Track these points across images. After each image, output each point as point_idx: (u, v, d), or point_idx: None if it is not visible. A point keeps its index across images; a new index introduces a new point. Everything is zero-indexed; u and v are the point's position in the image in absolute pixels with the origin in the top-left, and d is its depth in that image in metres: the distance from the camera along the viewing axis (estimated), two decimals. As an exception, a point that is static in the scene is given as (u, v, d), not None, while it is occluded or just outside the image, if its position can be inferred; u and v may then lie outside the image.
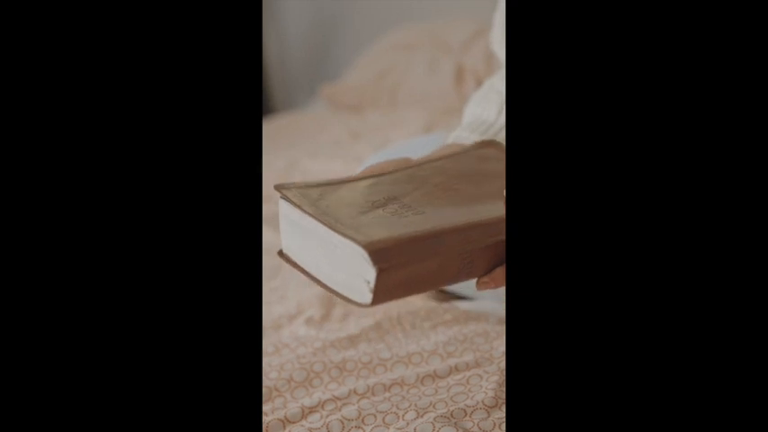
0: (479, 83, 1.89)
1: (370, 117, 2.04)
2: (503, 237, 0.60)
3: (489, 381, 0.79)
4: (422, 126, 1.84)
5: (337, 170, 1.63)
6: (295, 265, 0.64)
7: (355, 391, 0.80)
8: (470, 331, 0.88)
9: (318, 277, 0.61)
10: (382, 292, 0.56)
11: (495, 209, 0.62)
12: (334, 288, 0.60)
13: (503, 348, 0.84)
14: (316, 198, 0.62)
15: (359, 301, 0.57)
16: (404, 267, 0.56)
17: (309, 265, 0.62)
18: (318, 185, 0.65)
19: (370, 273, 0.55)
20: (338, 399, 0.80)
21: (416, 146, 1.16)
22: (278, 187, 0.63)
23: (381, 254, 0.55)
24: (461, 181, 0.67)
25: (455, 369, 0.82)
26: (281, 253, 0.65)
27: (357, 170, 1.19)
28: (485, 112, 0.88)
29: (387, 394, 0.80)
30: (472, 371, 0.81)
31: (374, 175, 0.67)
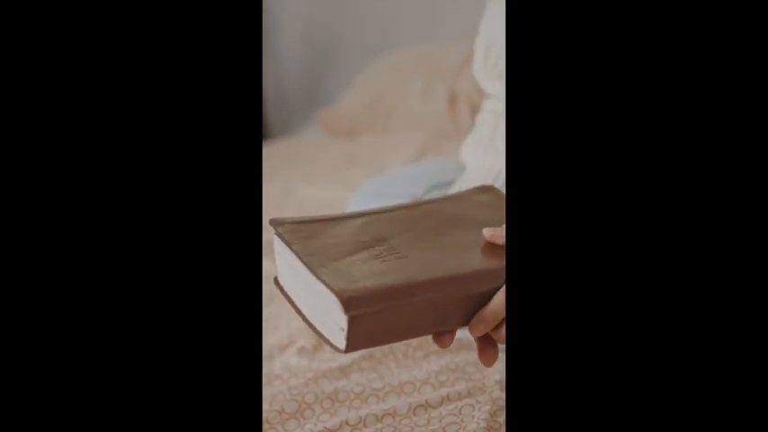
0: (473, 107, 1.90)
1: (365, 142, 2.05)
2: (481, 289, 0.60)
3: (481, 411, 0.78)
4: (416, 150, 1.85)
5: (333, 195, 1.63)
6: (287, 296, 0.65)
7: (347, 423, 0.80)
8: (462, 360, 0.88)
9: (305, 313, 0.62)
10: (356, 339, 0.57)
11: (477, 261, 0.62)
12: (317, 327, 0.60)
13: (495, 377, 0.84)
14: (306, 236, 0.63)
15: (336, 344, 0.58)
16: (376, 316, 0.57)
17: (298, 300, 0.63)
18: (313, 221, 0.66)
19: (343, 320, 0.56)
20: (330, 431, 0.79)
21: (407, 174, 1.16)
22: (272, 222, 0.64)
23: (352, 302, 0.56)
24: (453, 226, 0.67)
25: (447, 399, 0.82)
26: (276, 281, 0.65)
27: (352, 195, 1.20)
28: (496, 160, 0.89)
29: (379, 425, 0.79)
30: (464, 400, 0.81)
31: (371, 212, 0.68)
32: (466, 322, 0.61)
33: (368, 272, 0.59)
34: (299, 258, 0.60)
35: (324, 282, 0.57)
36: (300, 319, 1.03)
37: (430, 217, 0.68)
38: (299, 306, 0.63)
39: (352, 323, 0.56)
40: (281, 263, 0.65)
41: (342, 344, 0.57)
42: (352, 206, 1.13)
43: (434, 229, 0.66)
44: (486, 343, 0.61)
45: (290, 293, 0.64)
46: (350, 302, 0.56)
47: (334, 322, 0.57)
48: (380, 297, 0.57)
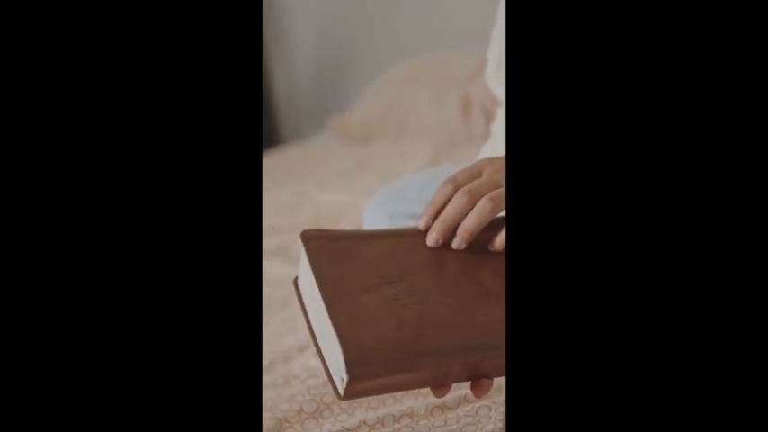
0: (487, 114, 1.91)
1: (377, 149, 2.06)
2: (486, 359, 0.60)
3: (498, 411, 0.79)
4: (429, 158, 1.86)
5: (345, 201, 1.65)
6: (302, 303, 0.65)
7: (365, 422, 0.81)
8: (479, 362, 0.89)
9: (314, 331, 0.62)
10: (353, 393, 0.58)
11: (488, 328, 0.60)
12: (322, 352, 0.61)
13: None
14: (332, 259, 0.63)
15: (335, 384, 0.59)
16: (377, 376, 0.57)
17: (311, 313, 0.63)
18: (344, 239, 0.65)
19: (345, 375, 0.56)
20: (348, 430, 0.80)
21: (424, 180, 1.17)
22: (303, 237, 0.64)
23: (356, 365, 0.56)
24: (476, 266, 0.64)
25: (464, 400, 0.83)
26: (295, 283, 0.66)
27: (365, 203, 1.21)
28: None
29: (396, 425, 0.80)
30: (481, 402, 0.82)
31: (401, 233, 0.67)
32: (465, 380, 0.62)
33: (381, 318, 0.59)
34: (318, 287, 0.60)
35: (335, 326, 0.58)
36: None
37: (456, 256, 0.65)
38: (311, 322, 0.63)
39: (352, 381, 0.56)
40: (303, 272, 0.65)
41: (340, 391, 0.58)
42: (369, 211, 1.14)
43: (455, 274, 0.64)
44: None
45: (305, 303, 0.64)
46: (354, 365, 0.56)
47: (337, 367, 0.58)
48: (384, 363, 0.57)
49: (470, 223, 0.63)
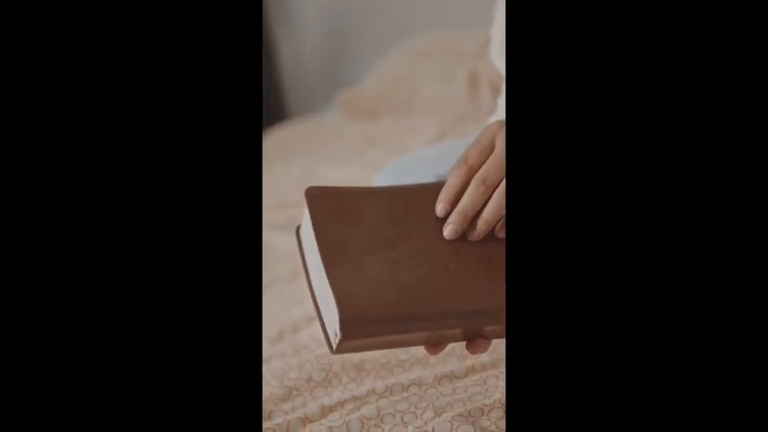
0: (494, 89, 1.91)
1: (385, 123, 2.06)
2: (481, 325, 0.61)
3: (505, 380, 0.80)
4: (436, 132, 1.86)
5: (354, 176, 1.65)
6: (302, 253, 0.65)
7: (374, 391, 0.82)
8: (487, 333, 0.90)
9: (312, 284, 0.63)
10: (345, 349, 0.59)
11: (485, 295, 0.61)
12: (318, 305, 0.62)
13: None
14: (334, 218, 0.63)
15: (329, 337, 0.59)
16: (371, 337, 0.58)
17: (310, 267, 0.64)
18: (349, 195, 0.65)
19: (338, 332, 0.57)
20: (357, 398, 0.81)
21: (432, 154, 1.18)
22: (307, 194, 0.64)
23: (350, 325, 0.57)
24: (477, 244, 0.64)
25: (472, 369, 0.84)
26: (297, 232, 0.66)
27: (373, 176, 1.21)
28: None
29: (405, 394, 0.81)
30: (489, 371, 0.82)
31: (406, 189, 0.67)
32: (461, 341, 0.62)
33: (379, 280, 0.59)
34: (318, 246, 0.61)
35: (332, 285, 0.58)
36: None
37: None
38: (309, 275, 0.64)
39: (344, 339, 0.57)
40: (305, 226, 0.65)
41: (333, 345, 0.58)
42: (378, 184, 1.14)
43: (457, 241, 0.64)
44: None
45: (305, 256, 0.65)
46: (347, 324, 0.57)
47: (332, 322, 0.58)
48: (380, 326, 0.58)
49: (489, 216, 0.63)
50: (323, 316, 0.61)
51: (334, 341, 0.58)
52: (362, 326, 0.57)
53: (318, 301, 0.62)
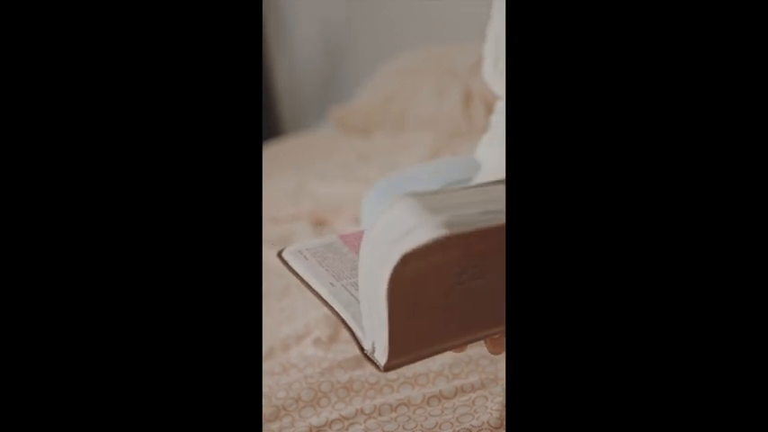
0: (487, 106, 1.91)
1: (378, 139, 2.06)
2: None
3: (494, 402, 0.80)
4: (429, 149, 1.86)
5: (346, 192, 1.65)
6: (294, 272, 0.65)
7: (362, 411, 0.81)
8: (476, 353, 0.89)
9: (329, 298, 0.62)
10: (394, 366, 0.58)
11: None
12: (345, 317, 0.61)
13: (508, 370, 0.85)
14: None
15: (360, 340, 0.59)
16: (411, 360, 0.59)
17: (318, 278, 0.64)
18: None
19: (382, 360, 0.57)
20: (345, 418, 0.81)
21: (423, 171, 1.18)
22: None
23: (396, 356, 0.57)
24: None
25: (461, 390, 0.83)
26: (280, 255, 0.66)
27: (365, 193, 1.21)
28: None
29: (393, 414, 0.81)
30: (477, 392, 0.82)
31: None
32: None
33: (436, 306, 0.58)
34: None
35: (390, 312, 0.56)
36: (317, 310, 1.05)
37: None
38: (317, 289, 0.63)
39: (386, 367, 0.57)
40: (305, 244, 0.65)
41: (374, 360, 0.58)
42: (368, 202, 1.14)
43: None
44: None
45: (304, 274, 0.64)
46: (393, 356, 0.57)
47: (373, 335, 0.58)
48: (424, 352, 0.59)
49: None
50: (356, 328, 0.60)
51: (374, 358, 0.58)
52: (405, 357, 0.58)
53: (348, 313, 0.61)
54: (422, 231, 0.53)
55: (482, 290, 0.59)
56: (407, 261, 0.53)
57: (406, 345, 0.57)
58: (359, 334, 0.60)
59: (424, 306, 0.57)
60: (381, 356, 0.57)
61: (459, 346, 0.62)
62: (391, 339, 0.56)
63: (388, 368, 0.57)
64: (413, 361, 0.59)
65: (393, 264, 0.53)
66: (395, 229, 0.55)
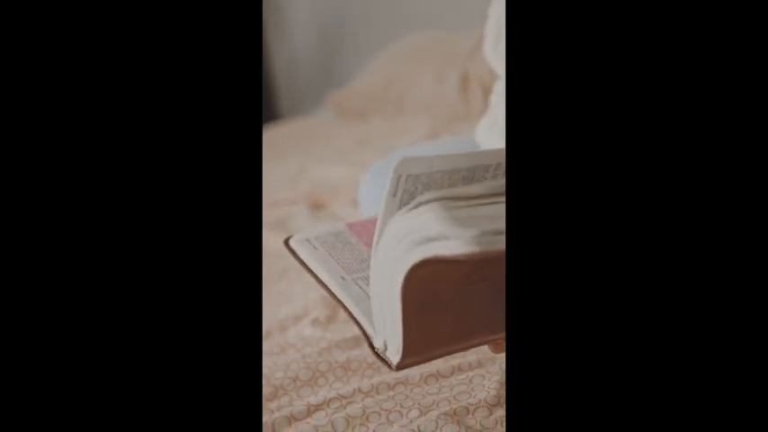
0: (485, 90, 1.91)
1: (376, 124, 2.06)
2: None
3: (491, 380, 0.80)
4: (427, 133, 1.86)
5: (344, 175, 1.65)
6: (300, 260, 0.65)
7: (360, 390, 0.82)
8: (473, 332, 0.90)
9: (340, 293, 0.63)
10: (406, 365, 0.59)
11: None
12: (355, 313, 0.61)
13: (505, 349, 0.86)
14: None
15: (369, 335, 0.60)
16: (422, 360, 0.60)
17: (328, 270, 0.64)
18: None
19: (394, 359, 0.58)
20: (343, 397, 0.81)
21: (427, 151, 1.18)
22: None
23: (408, 357, 0.57)
24: None
25: (458, 369, 0.84)
26: (287, 242, 0.66)
27: (361, 175, 1.21)
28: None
29: (391, 393, 0.81)
30: (475, 371, 0.83)
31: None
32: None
33: (448, 306, 0.59)
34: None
35: (403, 313, 0.56)
36: (314, 292, 1.05)
37: None
38: (328, 284, 0.64)
39: (398, 366, 0.58)
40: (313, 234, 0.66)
41: (386, 359, 0.59)
42: (365, 184, 1.14)
43: None
44: None
45: (313, 265, 0.65)
46: (406, 356, 0.57)
47: (384, 332, 0.58)
48: (435, 352, 0.59)
49: None
50: (367, 326, 0.60)
51: (386, 356, 0.58)
52: (417, 357, 0.58)
53: (358, 309, 0.61)
54: (454, 244, 0.54)
55: (492, 290, 0.59)
56: (426, 264, 0.54)
57: (419, 344, 0.57)
58: (369, 331, 0.60)
59: (437, 306, 0.57)
60: (394, 355, 0.58)
61: (470, 347, 0.62)
62: (405, 339, 0.56)
63: (400, 367, 0.58)
64: (425, 361, 0.60)
65: (410, 265, 0.54)
66: (418, 233, 0.56)
